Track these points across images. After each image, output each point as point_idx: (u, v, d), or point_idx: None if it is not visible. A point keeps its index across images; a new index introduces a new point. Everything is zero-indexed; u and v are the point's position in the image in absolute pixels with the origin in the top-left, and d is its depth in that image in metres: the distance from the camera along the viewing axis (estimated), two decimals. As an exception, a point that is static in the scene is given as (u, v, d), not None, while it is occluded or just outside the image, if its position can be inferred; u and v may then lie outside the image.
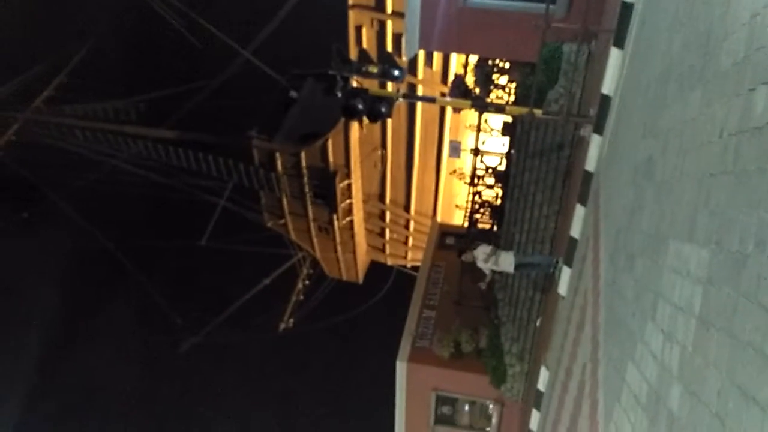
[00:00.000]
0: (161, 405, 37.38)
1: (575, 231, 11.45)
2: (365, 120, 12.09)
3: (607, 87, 10.34)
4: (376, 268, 31.20)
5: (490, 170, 17.36)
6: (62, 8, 29.43)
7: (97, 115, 28.58)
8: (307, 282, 32.11)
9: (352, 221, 27.53)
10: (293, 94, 25.37)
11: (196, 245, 28.03)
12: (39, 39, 29.64)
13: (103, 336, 36.61)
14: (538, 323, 14.10)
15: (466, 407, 16.63)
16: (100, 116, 28.48)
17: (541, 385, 12.79)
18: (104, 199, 30.47)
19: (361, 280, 31.07)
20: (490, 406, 16.20)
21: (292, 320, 31.72)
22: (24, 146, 29.39)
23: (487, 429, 16.46)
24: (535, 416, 13.23)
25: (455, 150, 19.84)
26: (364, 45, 22.15)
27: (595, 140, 10.82)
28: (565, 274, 11.73)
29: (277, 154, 25.65)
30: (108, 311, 36.30)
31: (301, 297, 32.14)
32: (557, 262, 12.33)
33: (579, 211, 11.32)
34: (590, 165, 11.01)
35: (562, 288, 11.79)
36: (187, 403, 37.16)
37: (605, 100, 10.41)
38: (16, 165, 29.22)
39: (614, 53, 10.09)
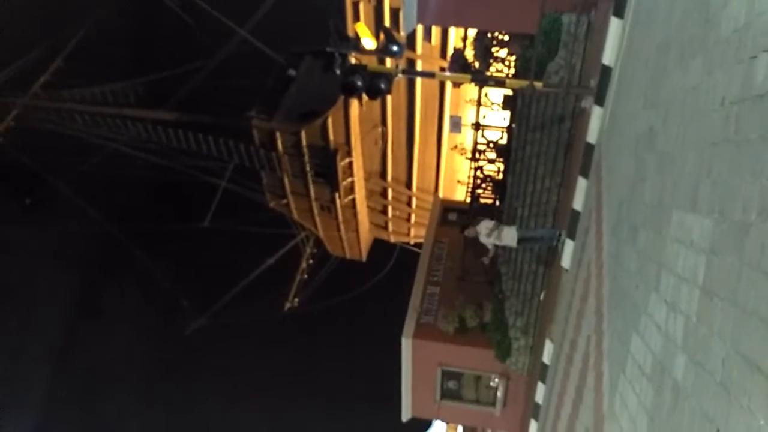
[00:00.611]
0: (170, 387, 37.71)
1: (577, 203, 11.42)
2: (365, 97, 11.97)
3: (608, 57, 10.24)
4: (380, 246, 31.25)
5: (491, 144, 17.29)
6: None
7: (95, 99, 28.44)
8: (310, 261, 32.18)
9: (354, 199, 27.50)
10: (292, 72, 25.21)
11: (199, 227, 28.06)
12: (35, 23, 29.43)
13: (110, 320, 36.84)
14: (542, 296, 14.13)
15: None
16: (99, 100, 28.34)
17: (546, 358, 12.85)
18: (106, 183, 30.47)
19: (364, 258, 31.13)
20: (496, 379, 16.30)
21: (296, 299, 31.85)
22: (24, 132, 29.29)
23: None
24: (540, 389, 13.31)
25: (456, 125, 19.77)
26: (362, 21, 21.96)
27: (596, 112, 10.75)
28: (568, 246, 11.72)
29: (277, 134, 25.56)
30: (113, 296, 36.49)
31: (305, 276, 32.23)
32: (560, 235, 12.31)
33: (581, 183, 11.27)
34: (591, 137, 10.95)
35: (566, 261, 11.79)
36: (196, 384, 37.49)
37: (606, 71, 10.32)
38: (16, 151, 29.14)
39: (614, 23, 9.98)
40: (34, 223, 31.62)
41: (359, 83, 11.49)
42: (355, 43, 11.49)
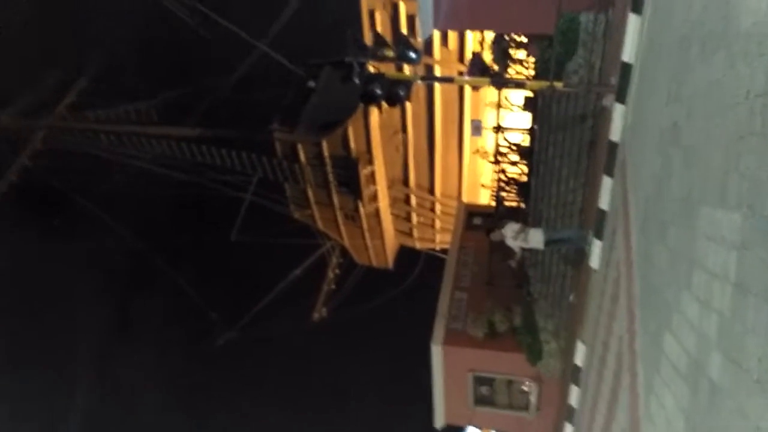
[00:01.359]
0: (200, 400, 37.98)
1: (603, 203, 11.32)
2: (384, 105, 12.00)
3: (627, 54, 10.15)
4: (406, 253, 31.21)
5: (513, 147, 17.21)
6: (76, 14, 29.66)
7: (119, 118, 28.89)
8: (337, 271, 32.25)
9: (377, 207, 27.52)
10: (311, 83, 25.34)
11: (225, 241, 28.29)
12: (56, 46, 29.94)
13: (140, 335, 37.22)
14: (571, 298, 14.00)
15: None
16: (123, 119, 28.78)
17: (579, 360, 12.72)
18: (132, 201, 30.85)
19: (390, 265, 31.11)
20: (528, 383, 16.16)
21: (325, 309, 31.92)
22: (51, 154, 29.84)
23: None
24: (574, 392, 13.17)
25: (477, 129, 19.66)
26: (378, 29, 22.04)
27: (618, 109, 10.65)
28: (596, 246, 11.61)
29: (299, 145, 25.71)
30: (143, 311, 36.86)
31: (333, 286, 32.30)
32: (587, 235, 12.20)
33: (606, 182, 11.17)
34: (615, 135, 10.85)
35: (594, 261, 11.67)
36: (225, 396, 37.69)
37: (626, 68, 10.22)
38: (44, 173, 29.69)
39: (632, 20, 9.89)
40: (63, 242, 32.09)
41: (379, 91, 11.52)
42: (373, 52, 11.54)
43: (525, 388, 16.24)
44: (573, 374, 13.04)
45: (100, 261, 34.06)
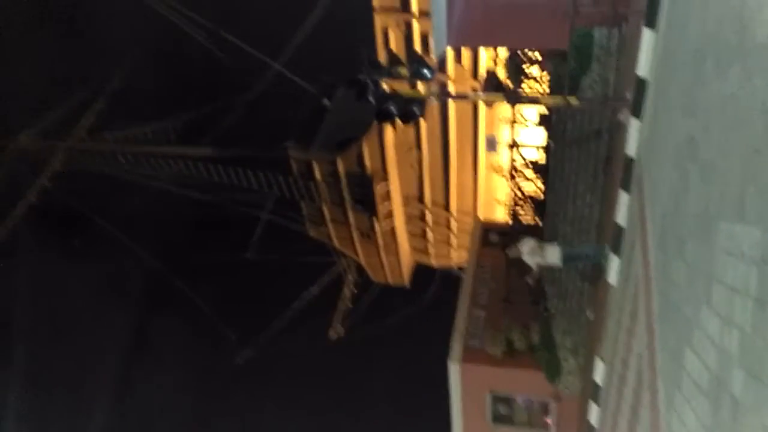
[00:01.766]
0: (219, 417, 37.97)
1: (621, 218, 11.23)
2: (399, 122, 12.05)
3: (642, 69, 10.12)
4: (422, 271, 31.12)
5: (528, 163, 17.17)
6: (94, 37, 30.16)
7: (136, 139, 29.23)
8: (353, 289, 32.21)
9: (393, 224, 27.51)
10: (326, 102, 25.53)
11: (242, 259, 28.39)
12: (74, 69, 30.42)
13: (159, 354, 37.36)
14: (589, 314, 13.86)
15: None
16: (140, 139, 29.12)
17: (598, 378, 12.56)
18: (150, 221, 31.12)
19: (407, 283, 31.02)
20: (548, 402, 15.98)
21: (341, 327, 31.86)
22: (69, 175, 30.20)
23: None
24: (594, 409, 13.00)
25: (491, 144, 19.71)
26: (392, 47, 22.17)
27: (634, 124, 10.60)
28: (614, 262, 11.50)
29: (314, 163, 25.82)
30: (161, 330, 37.01)
31: (349, 304, 32.25)
32: (605, 251, 12.10)
33: (623, 197, 11.10)
34: (631, 150, 10.79)
35: (612, 277, 11.57)
36: (244, 413, 37.65)
37: (641, 83, 10.19)
38: (63, 194, 30.03)
39: (647, 34, 9.87)
40: (83, 263, 32.38)
41: (393, 109, 11.57)
42: (388, 70, 11.61)
43: (545, 407, 16.07)
44: (593, 392, 12.88)
45: (119, 281, 34.31)
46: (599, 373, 12.47)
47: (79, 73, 30.07)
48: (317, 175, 26.07)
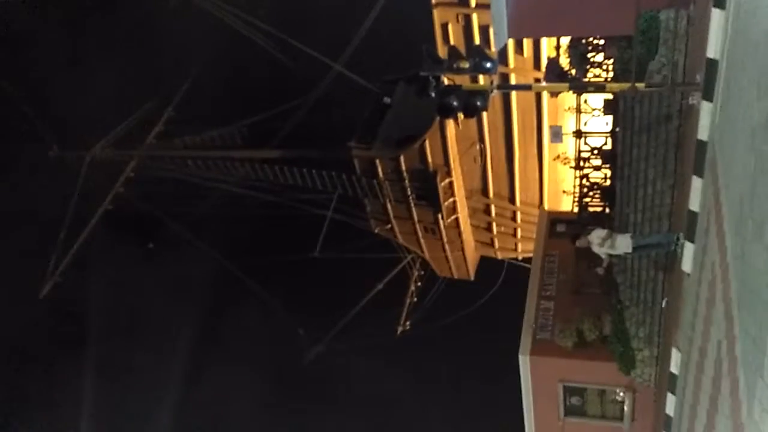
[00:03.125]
0: (290, 414, 38.70)
1: (694, 204, 10.97)
2: (460, 116, 12.06)
3: (712, 50, 9.87)
4: (488, 264, 30.95)
5: (595, 151, 16.90)
6: (160, 48, 31.12)
7: (205, 144, 30.10)
8: (419, 284, 32.32)
9: (457, 219, 27.47)
10: (387, 100, 25.66)
11: (309, 257, 28.86)
12: (143, 80, 31.50)
13: (230, 352, 38.32)
14: (664, 304, 13.57)
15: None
16: (208, 144, 29.98)
17: (674, 368, 12.32)
18: (220, 223, 31.95)
19: (472, 276, 30.91)
20: (621, 393, 15.73)
21: (408, 323, 32.01)
22: (142, 181, 31.37)
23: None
24: (670, 400, 12.75)
25: (556, 135, 19.41)
26: (452, 41, 22.13)
27: (705, 107, 10.34)
28: (688, 249, 11.25)
29: (377, 161, 26.01)
30: (232, 328, 37.95)
31: (415, 299, 32.36)
32: (678, 238, 11.84)
33: (696, 183, 10.84)
34: (703, 134, 10.53)
35: (686, 264, 11.32)
36: (313, 411, 38.25)
37: (711, 65, 9.93)
38: (136, 200, 31.22)
39: (716, 14, 9.62)
40: (157, 264, 33.51)
41: (455, 103, 11.58)
42: (449, 65, 11.61)
43: (618, 398, 15.82)
44: (669, 382, 12.63)
45: (192, 281, 35.35)
46: (675, 363, 12.23)
47: (149, 83, 31.15)
48: (380, 172, 26.27)
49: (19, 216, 32.30)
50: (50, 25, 31.68)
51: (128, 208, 31.56)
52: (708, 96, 10.19)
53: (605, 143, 16.61)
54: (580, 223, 16.71)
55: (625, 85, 11.32)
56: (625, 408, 15.73)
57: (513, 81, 22.44)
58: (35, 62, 31.61)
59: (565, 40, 17.69)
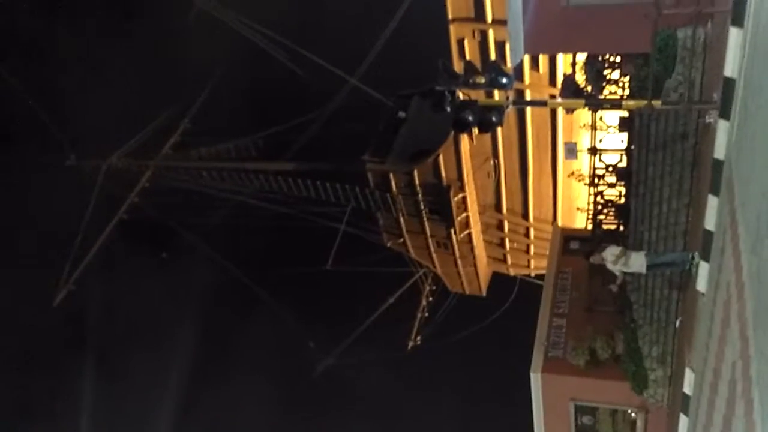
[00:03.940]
0: (301, 425, 38.60)
1: (709, 223, 10.89)
2: (475, 131, 12.07)
3: (730, 69, 9.83)
4: (500, 280, 30.82)
5: (610, 168, 16.83)
6: (176, 60, 31.44)
7: (220, 155, 30.28)
8: (430, 298, 32.21)
9: (470, 234, 27.40)
10: (401, 114, 25.73)
11: (320, 270, 28.85)
12: (159, 91, 31.80)
13: (240, 363, 38.35)
14: (677, 323, 13.45)
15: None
16: (223, 156, 30.15)
17: (687, 388, 12.17)
18: (233, 234, 32.08)
19: (484, 292, 30.78)
20: (633, 413, 15.56)
21: (419, 337, 31.88)
22: (157, 191, 31.58)
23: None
24: (683, 421, 12.60)
25: (571, 151, 19.39)
26: (468, 57, 22.18)
27: (722, 126, 10.28)
28: (703, 269, 11.16)
29: (391, 175, 26.04)
30: (243, 338, 38.00)
31: (426, 314, 32.24)
32: (693, 257, 11.74)
33: (711, 201, 10.76)
34: (719, 152, 10.46)
35: (701, 284, 11.22)
36: (322, 420, 38.15)
37: (729, 83, 9.89)
38: (151, 209, 31.42)
39: (733, 33, 9.59)
40: (171, 274, 33.66)
41: (470, 118, 11.59)
42: (464, 80, 11.64)
43: (630, 418, 15.65)
44: (682, 403, 12.48)
45: (205, 291, 35.48)
46: (688, 383, 12.09)
47: (166, 94, 31.45)
48: (393, 186, 26.28)
49: (35, 224, 32.67)
50: (69, 36, 32.14)
51: (143, 218, 31.75)
52: (725, 114, 10.14)
53: (620, 160, 16.54)
54: (593, 240, 16.62)
55: (642, 103, 11.29)
56: (638, 428, 15.56)
57: (528, 97, 22.43)
58: (54, 72, 32.06)
59: (581, 57, 17.68)
